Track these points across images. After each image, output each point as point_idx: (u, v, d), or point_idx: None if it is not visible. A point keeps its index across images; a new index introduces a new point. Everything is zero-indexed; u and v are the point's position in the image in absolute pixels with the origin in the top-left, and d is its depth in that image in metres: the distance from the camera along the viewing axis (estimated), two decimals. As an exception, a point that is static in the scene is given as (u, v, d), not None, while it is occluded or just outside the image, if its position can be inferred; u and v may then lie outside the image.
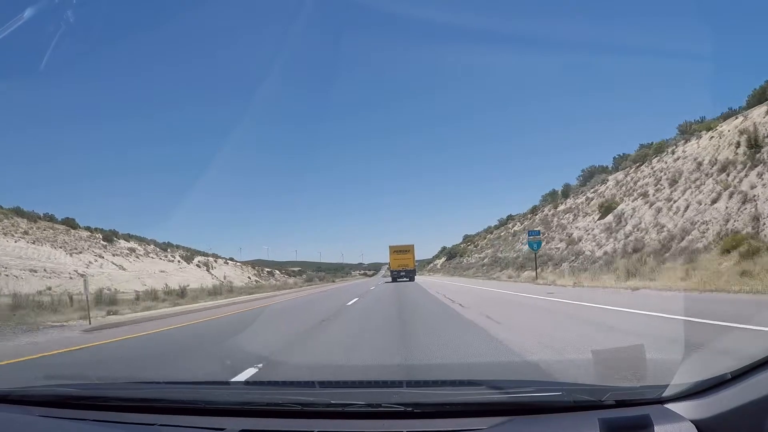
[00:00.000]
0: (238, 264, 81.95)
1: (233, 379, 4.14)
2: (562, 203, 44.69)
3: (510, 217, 63.83)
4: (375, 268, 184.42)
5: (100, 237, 53.95)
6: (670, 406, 1.57)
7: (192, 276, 55.11)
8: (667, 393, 1.63)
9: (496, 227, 66.31)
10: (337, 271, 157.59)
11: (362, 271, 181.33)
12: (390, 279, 43.74)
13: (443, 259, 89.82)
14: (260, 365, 4.94)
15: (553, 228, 38.98)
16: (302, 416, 1.71)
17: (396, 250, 43.88)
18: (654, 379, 1.92)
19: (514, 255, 41.59)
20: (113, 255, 51.61)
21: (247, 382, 3.89)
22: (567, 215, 39.21)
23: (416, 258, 46.06)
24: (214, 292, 28.53)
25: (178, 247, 66.31)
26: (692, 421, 1.46)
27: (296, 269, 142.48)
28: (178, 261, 62.13)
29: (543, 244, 31.51)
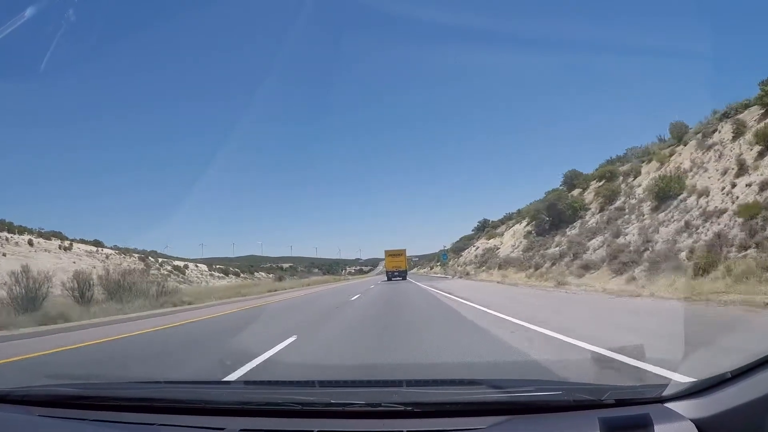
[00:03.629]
0: (100, 252, 49.31)
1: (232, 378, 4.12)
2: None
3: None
4: (373, 263, 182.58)
5: None
6: (670, 405, 1.57)
7: None
8: (667, 392, 1.63)
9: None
10: (313, 265, 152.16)
11: (358, 267, 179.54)
12: (386, 278, 48.18)
13: (518, 243, 35.07)
14: None
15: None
16: (302, 416, 1.71)
17: (390, 254, 49.67)
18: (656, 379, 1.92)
19: None
20: None
21: (246, 382, 3.88)
22: None
23: (424, 252, 49.69)
24: None
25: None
26: (692, 420, 1.46)
27: (287, 265, 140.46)
28: None
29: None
